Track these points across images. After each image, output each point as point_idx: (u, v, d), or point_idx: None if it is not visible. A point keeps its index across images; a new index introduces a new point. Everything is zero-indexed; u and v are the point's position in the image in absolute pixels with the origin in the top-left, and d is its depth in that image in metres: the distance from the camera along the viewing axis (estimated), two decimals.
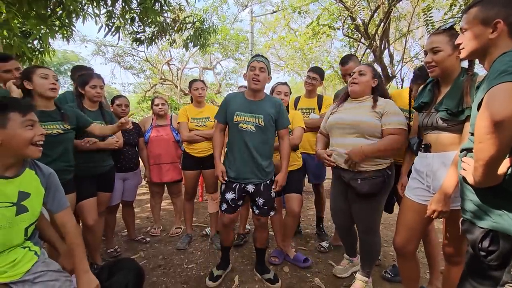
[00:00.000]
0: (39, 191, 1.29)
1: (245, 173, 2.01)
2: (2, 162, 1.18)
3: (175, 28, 4.67)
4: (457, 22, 4.88)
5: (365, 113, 1.82)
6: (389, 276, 2.19)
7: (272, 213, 2.12)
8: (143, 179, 3.02)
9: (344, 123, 1.87)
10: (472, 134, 1.02)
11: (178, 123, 2.82)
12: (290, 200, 2.36)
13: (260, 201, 2.04)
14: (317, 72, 2.84)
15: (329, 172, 2.55)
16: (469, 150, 1.04)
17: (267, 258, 2.48)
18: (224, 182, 2.06)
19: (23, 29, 3.85)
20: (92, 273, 1.35)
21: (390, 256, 2.62)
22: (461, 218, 1.09)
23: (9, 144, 1.15)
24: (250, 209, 2.29)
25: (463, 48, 1.07)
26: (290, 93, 2.45)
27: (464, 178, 1.02)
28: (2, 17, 3.26)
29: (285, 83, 2.45)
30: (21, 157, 1.23)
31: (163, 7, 3.93)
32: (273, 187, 2.06)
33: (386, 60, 5.97)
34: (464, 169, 1.01)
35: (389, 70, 5.79)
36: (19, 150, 1.19)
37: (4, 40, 3.52)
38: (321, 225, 3.11)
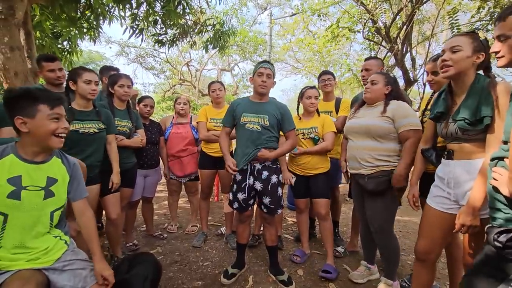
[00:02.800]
0: (65, 178, 1.38)
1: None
2: (30, 149, 1.27)
3: (196, 30, 4.77)
4: (485, 26, 4.71)
5: (374, 118, 1.93)
6: (406, 285, 2.14)
7: (279, 211, 2.15)
8: (162, 177, 3.10)
9: (357, 127, 2.01)
10: (504, 142, 0.99)
11: (197, 122, 2.91)
12: (317, 204, 2.43)
13: (267, 200, 2.10)
14: (328, 73, 2.95)
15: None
16: (500, 158, 1.00)
17: (289, 257, 2.55)
18: (235, 173, 2.11)
19: (54, 30, 4.07)
20: (113, 265, 1.42)
21: (408, 265, 2.55)
22: (487, 226, 1.05)
23: (35, 133, 1.23)
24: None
25: (503, 57, 1.02)
26: (319, 95, 2.54)
27: (495, 188, 0.98)
28: (35, 19, 3.46)
29: (314, 87, 2.51)
30: (45, 146, 1.29)
31: (185, 10, 4.03)
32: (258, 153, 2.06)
33: (408, 63, 5.83)
34: (495, 179, 0.97)
35: (410, 74, 5.64)
36: (42, 140, 1.26)
37: (37, 41, 3.73)
38: (336, 230, 3.06)
